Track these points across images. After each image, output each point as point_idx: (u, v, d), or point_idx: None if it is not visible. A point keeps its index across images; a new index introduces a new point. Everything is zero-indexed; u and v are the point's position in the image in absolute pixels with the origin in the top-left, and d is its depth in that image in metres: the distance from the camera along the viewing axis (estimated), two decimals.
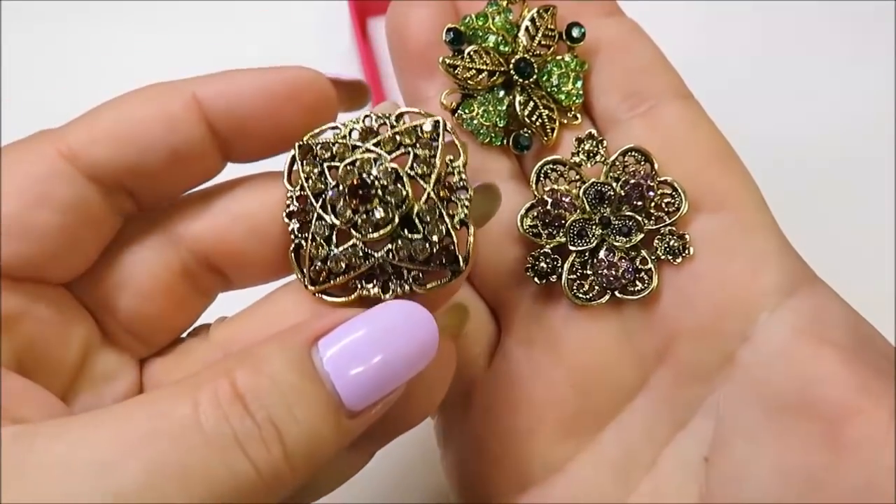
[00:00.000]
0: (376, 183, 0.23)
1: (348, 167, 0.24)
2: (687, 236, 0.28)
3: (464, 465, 0.30)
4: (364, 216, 0.23)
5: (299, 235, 0.24)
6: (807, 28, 0.51)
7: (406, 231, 0.24)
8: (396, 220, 0.23)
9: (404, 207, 0.23)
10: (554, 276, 0.28)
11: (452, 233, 0.24)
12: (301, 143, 0.25)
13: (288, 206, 0.25)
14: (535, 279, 0.28)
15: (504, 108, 0.29)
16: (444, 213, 0.24)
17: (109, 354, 0.25)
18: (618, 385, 0.28)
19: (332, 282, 0.24)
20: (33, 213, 0.23)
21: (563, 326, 0.28)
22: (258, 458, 0.20)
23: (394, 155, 0.24)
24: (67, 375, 0.24)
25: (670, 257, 0.28)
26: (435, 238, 0.24)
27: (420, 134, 0.24)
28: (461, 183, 0.24)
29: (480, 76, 0.29)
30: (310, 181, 0.24)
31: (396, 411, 0.23)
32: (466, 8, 0.30)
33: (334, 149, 0.24)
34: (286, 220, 0.25)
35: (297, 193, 0.24)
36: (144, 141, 0.23)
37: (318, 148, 0.24)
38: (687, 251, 0.28)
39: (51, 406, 0.22)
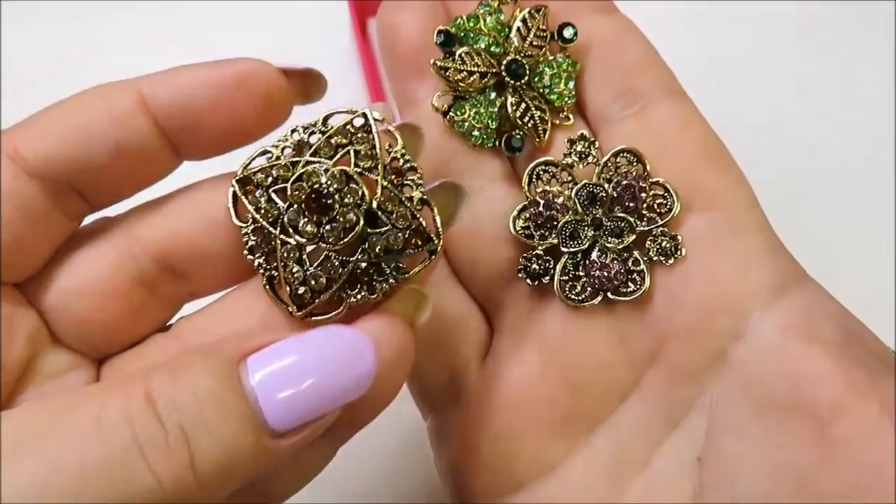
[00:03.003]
0: (330, 190, 0.23)
1: (296, 184, 0.23)
2: (679, 237, 0.28)
3: (457, 466, 0.30)
4: (329, 226, 0.23)
5: (268, 267, 0.24)
6: (802, 26, 0.50)
7: (372, 226, 0.24)
8: (362, 219, 0.23)
9: (365, 205, 0.23)
10: (546, 278, 0.28)
11: (417, 214, 0.24)
12: (238, 177, 0.24)
13: (246, 242, 0.24)
14: (528, 281, 0.28)
15: (496, 109, 0.29)
16: (403, 199, 0.24)
17: (60, 354, 0.25)
18: (610, 385, 0.28)
19: (317, 301, 0.24)
20: None
21: (555, 328, 0.28)
22: (159, 465, 0.19)
23: (335, 159, 0.24)
24: (11, 373, 0.24)
25: (662, 258, 0.28)
26: (403, 224, 0.24)
27: (353, 130, 0.25)
28: (407, 165, 0.25)
29: (472, 78, 0.28)
30: (260, 211, 0.24)
31: (355, 405, 0.23)
32: (458, 9, 0.30)
33: (275, 172, 0.24)
34: (249, 256, 0.24)
35: (252, 227, 0.24)
36: (88, 136, 0.23)
37: (256, 176, 0.24)
38: (679, 252, 0.28)
39: None
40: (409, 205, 0.24)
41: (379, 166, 0.24)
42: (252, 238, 0.24)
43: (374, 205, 0.24)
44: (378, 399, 0.24)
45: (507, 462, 0.29)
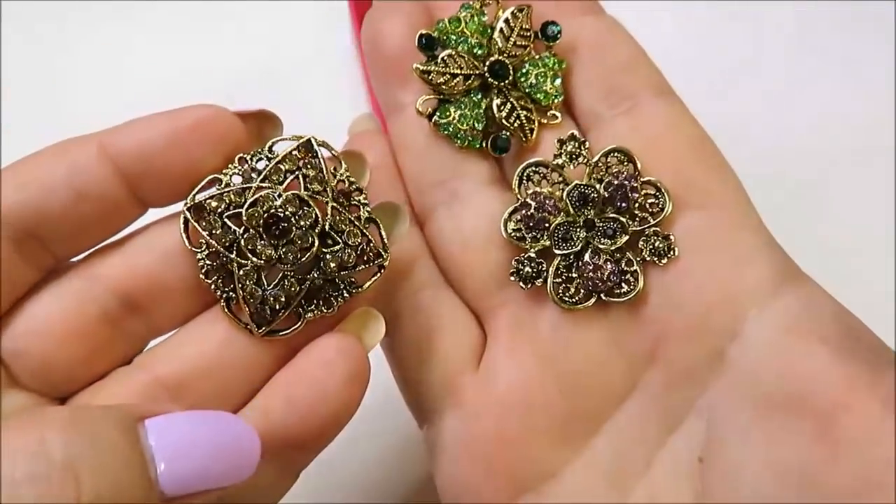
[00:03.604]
0: (287, 213, 0.25)
1: (251, 209, 0.25)
2: (672, 237, 0.27)
3: (455, 475, 0.29)
4: (286, 248, 0.25)
5: (225, 289, 0.25)
6: (799, 25, 0.50)
7: (325, 245, 0.25)
8: (317, 240, 0.25)
9: (318, 226, 0.25)
10: (539, 281, 0.28)
11: (366, 232, 0.26)
12: (188, 204, 0.25)
13: (202, 267, 0.25)
14: (521, 284, 0.28)
15: (481, 110, 0.29)
16: (352, 218, 0.26)
17: (17, 396, 0.25)
18: (608, 388, 0.28)
19: (277, 319, 0.26)
20: None
21: (549, 331, 0.28)
22: (42, 500, 0.19)
23: (285, 184, 0.26)
24: None
25: (656, 259, 0.27)
26: (354, 242, 0.26)
27: (299, 156, 0.26)
28: (352, 187, 0.26)
29: (455, 80, 0.28)
30: (214, 236, 0.25)
31: (310, 430, 0.24)
32: (441, 13, 0.29)
33: (226, 198, 0.25)
34: (205, 280, 0.25)
35: (206, 252, 0.25)
36: (48, 185, 0.24)
37: (208, 203, 0.25)
38: (672, 252, 0.27)
39: None
40: (357, 224, 0.26)
41: (328, 189, 0.26)
42: (207, 262, 0.25)
43: (327, 226, 0.25)
44: (334, 418, 0.25)
45: (506, 469, 0.28)
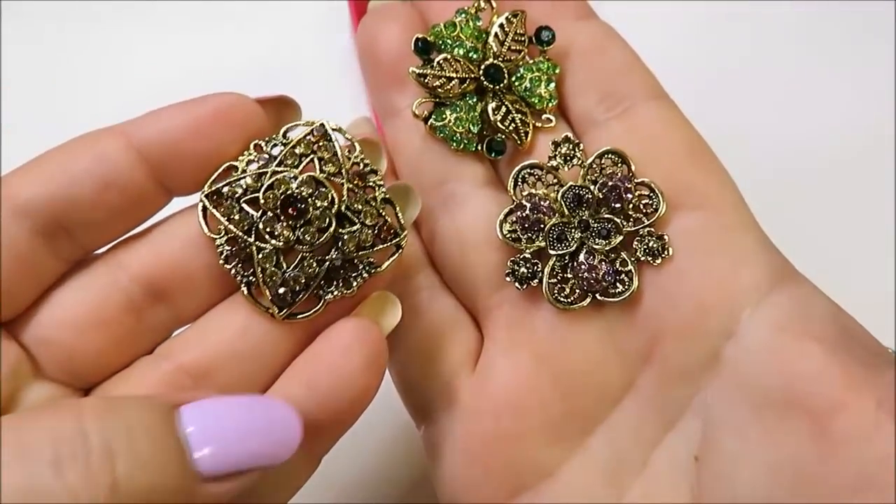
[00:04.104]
0: (303, 195, 0.25)
1: (268, 192, 0.25)
2: (666, 237, 0.28)
3: (454, 475, 0.30)
4: (303, 229, 0.25)
5: (245, 274, 0.25)
6: (794, 26, 0.50)
7: (342, 226, 0.25)
8: (334, 220, 0.25)
9: (335, 207, 0.25)
10: (535, 281, 0.28)
11: (382, 212, 0.26)
12: (206, 192, 0.25)
13: (221, 253, 0.25)
14: (516, 284, 0.28)
15: (477, 114, 0.29)
16: (368, 199, 0.26)
17: (43, 387, 0.25)
18: (604, 388, 0.28)
19: (297, 301, 0.25)
20: None
21: (545, 331, 0.28)
22: (78, 485, 0.20)
23: (300, 167, 0.26)
24: None
25: (650, 258, 0.28)
26: (371, 221, 0.26)
27: (313, 140, 0.26)
28: (367, 168, 0.26)
29: (451, 84, 0.29)
30: (233, 221, 0.25)
31: (330, 415, 0.25)
32: (437, 17, 0.30)
33: (243, 184, 0.25)
34: (226, 266, 0.25)
35: (225, 238, 0.25)
36: (75, 176, 0.24)
37: (225, 189, 0.25)
38: (666, 252, 0.28)
39: None
40: (374, 204, 0.26)
41: (343, 170, 0.26)
42: (226, 248, 0.25)
43: (343, 206, 0.25)
44: (354, 403, 0.25)
45: (504, 468, 0.29)
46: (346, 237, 0.25)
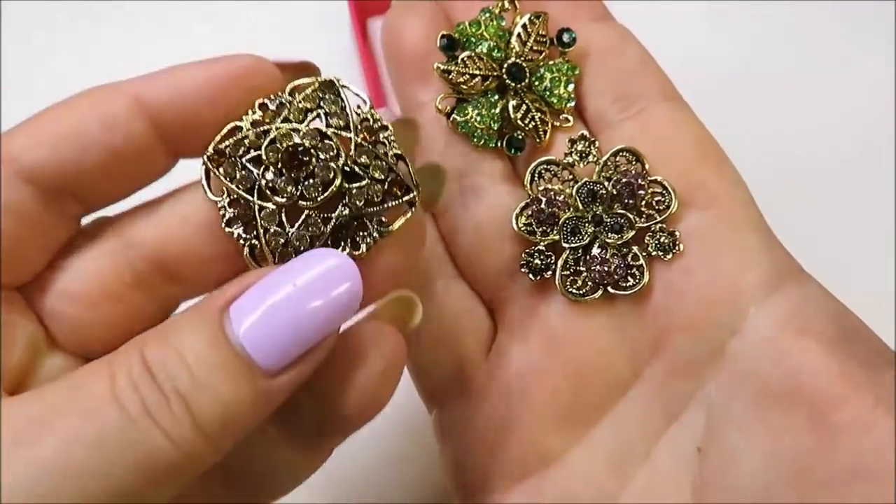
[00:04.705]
0: (306, 145, 0.23)
1: (271, 146, 0.23)
2: (677, 233, 0.28)
3: (462, 458, 0.30)
4: (307, 182, 0.23)
5: (247, 237, 0.24)
6: (793, 26, 0.51)
7: (350, 182, 0.24)
8: (339, 174, 0.24)
9: (341, 159, 0.24)
10: (548, 273, 0.29)
11: (394, 167, 0.24)
12: (207, 154, 0.24)
13: (223, 216, 0.24)
14: (530, 275, 0.29)
15: (497, 111, 0.29)
16: (378, 153, 0.24)
17: (57, 358, 0.25)
18: (612, 378, 0.29)
19: None
20: None
21: (557, 321, 0.29)
22: (170, 429, 0.20)
23: (306, 122, 0.24)
24: (11, 379, 0.24)
25: (661, 254, 0.28)
26: (380, 176, 0.24)
27: (320, 95, 0.25)
28: (378, 124, 0.25)
29: (474, 81, 0.29)
30: (234, 181, 0.24)
31: (346, 408, 0.24)
32: (460, 15, 0.30)
33: (246, 141, 0.24)
34: (228, 229, 0.24)
35: (227, 200, 0.24)
36: (80, 142, 0.23)
37: (227, 148, 0.24)
38: (677, 248, 0.28)
39: None
40: (384, 158, 0.24)
41: (350, 124, 0.24)
42: (229, 210, 0.24)
43: (350, 160, 0.24)
44: (370, 406, 0.25)
45: (512, 452, 0.29)
46: (354, 191, 0.24)
